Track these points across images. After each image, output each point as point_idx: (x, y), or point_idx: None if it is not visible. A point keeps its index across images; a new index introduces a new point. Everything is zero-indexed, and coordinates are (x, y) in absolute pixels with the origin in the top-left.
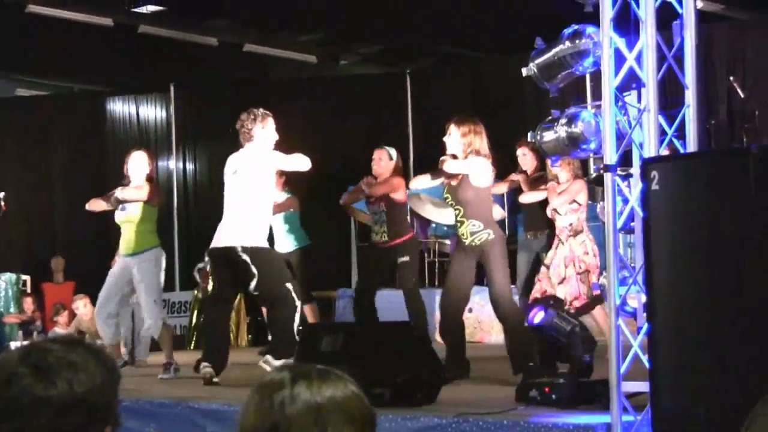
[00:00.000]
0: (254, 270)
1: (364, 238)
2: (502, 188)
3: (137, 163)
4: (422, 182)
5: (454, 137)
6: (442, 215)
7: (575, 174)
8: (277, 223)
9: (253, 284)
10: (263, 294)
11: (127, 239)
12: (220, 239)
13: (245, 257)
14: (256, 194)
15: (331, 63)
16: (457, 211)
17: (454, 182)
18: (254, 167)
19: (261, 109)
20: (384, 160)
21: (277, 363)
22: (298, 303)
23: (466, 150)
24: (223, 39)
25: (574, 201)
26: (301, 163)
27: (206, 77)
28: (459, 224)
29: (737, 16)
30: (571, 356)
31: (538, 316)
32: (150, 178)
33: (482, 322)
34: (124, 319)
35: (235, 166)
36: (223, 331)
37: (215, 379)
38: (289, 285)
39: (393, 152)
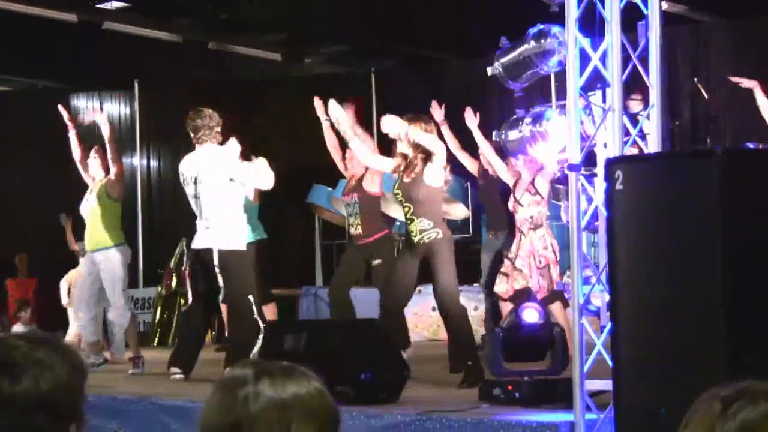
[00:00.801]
0: (221, 274)
1: (328, 236)
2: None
3: (95, 160)
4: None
5: (400, 129)
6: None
7: (538, 168)
8: None
9: (221, 294)
10: (227, 296)
11: (91, 235)
12: (199, 240)
13: (216, 259)
14: (227, 198)
15: (296, 62)
16: (407, 209)
17: (406, 179)
18: (220, 174)
19: (209, 109)
20: (357, 158)
21: None
22: (255, 315)
23: (416, 149)
24: (188, 37)
25: (537, 193)
26: (263, 182)
27: (170, 74)
28: (408, 222)
29: (702, 18)
30: (554, 353)
31: (531, 315)
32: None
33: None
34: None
35: (195, 173)
36: (199, 337)
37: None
38: (251, 298)
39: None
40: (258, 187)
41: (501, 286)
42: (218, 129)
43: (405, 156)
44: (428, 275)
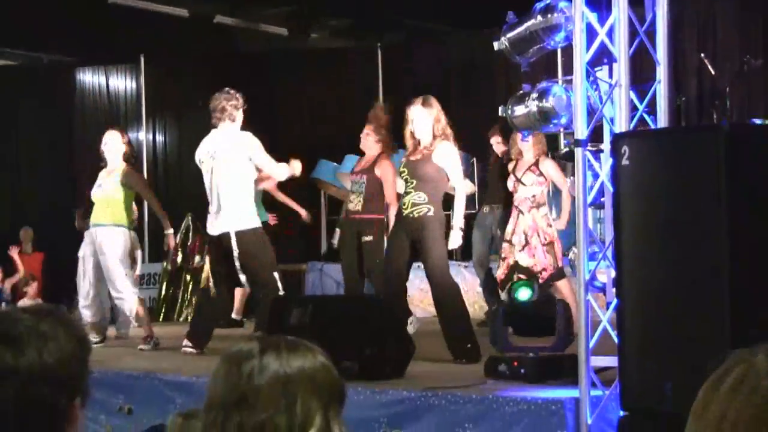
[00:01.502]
0: (240, 254)
1: (334, 212)
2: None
3: (113, 144)
4: None
5: (426, 122)
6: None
7: (543, 151)
8: None
9: (238, 266)
10: (248, 277)
11: (97, 211)
12: (214, 226)
13: (234, 242)
14: (242, 177)
15: (301, 36)
16: (409, 184)
17: (414, 157)
18: (239, 152)
19: (231, 90)
20: (371, 135)
21: None
22: (281, 291)
23: (439, 133)
24: (194, 11)
25: (542, 175)
26: (280, 173)
27: (176, 49)
28: (405, 195)
29: None
30: (558, 329)
31: (523, 293)
32: (128, 158)
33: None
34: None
35: (214, 149)
36: (216, 316)
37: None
38: (275, 275)
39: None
40: (271, 175)
41: (499, 271)
42: (240, 110)
43: (413, 135)
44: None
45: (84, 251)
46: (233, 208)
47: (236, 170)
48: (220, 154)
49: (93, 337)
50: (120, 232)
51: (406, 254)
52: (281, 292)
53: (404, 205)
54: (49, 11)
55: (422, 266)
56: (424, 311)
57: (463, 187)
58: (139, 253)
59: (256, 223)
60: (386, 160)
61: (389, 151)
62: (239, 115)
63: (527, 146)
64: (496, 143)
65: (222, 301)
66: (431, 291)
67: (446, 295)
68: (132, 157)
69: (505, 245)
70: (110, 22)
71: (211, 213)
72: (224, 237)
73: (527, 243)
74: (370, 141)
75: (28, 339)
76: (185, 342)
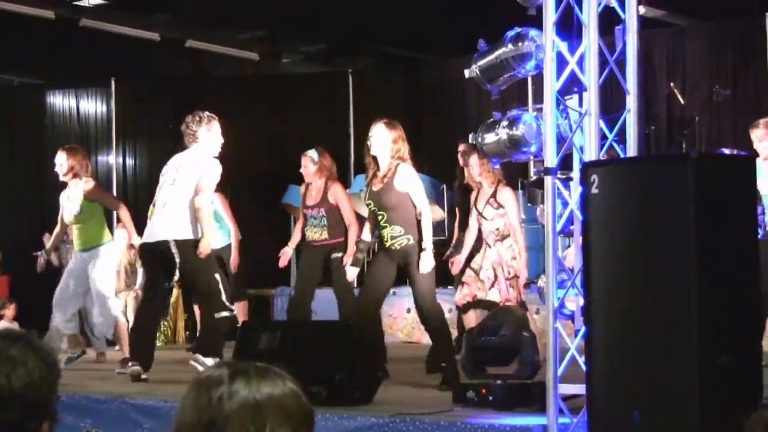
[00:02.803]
0: (181, 262)
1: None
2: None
3: (60, 164)
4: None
5: (384, 140)
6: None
7: (498, 179)
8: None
9: (176, 276)
10: (192, 286)
11: (79, 236)
12: (153, 234)
13: (175, 250)
14: (193, 190)
15: (273, 61)
16: (380, 216)
17: (375, 188)
18: (195, 171)
19: (207, 112)
20: (309, 166)
21: (208, 361)
22: (224, 297)
23: (393, 155)
24: (166, 34)
25: (500, 206)
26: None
27: (147, 72)
28: (381, 228)
29: (678, 22)
30: (522, 356)
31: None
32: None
33: (420, 322)
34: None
35: (176, 165)
36: (152, 329)
37: (143, 376)
38: (217, 276)
39: (315, 155)
40: (198, 205)
41: (457, 294)
42: (204, 129)
43: (375, 159)
44: (403, 278)
45: (71, 267)
46: (176, 219)
47: (191, 188)
48: (182, 171)
49: (72, 353)
50: (105, 251)
51: (386, 281)
52: (224, 298)
53: (384, 238)
54: (20, 33)
55: (394, 292)
56: (394, 336)
57: (428, 210)
58: (139, 269)
59: (195, 235)
60: (334, 184)
61: (331, 174)
62: (203, 133)
63: (479, 176)
64: (474, 164)
65: (157, 311)
66: (419, 316)
67: (432, 319)
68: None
69: (469, 272)
70: (81, 44)
71: (151, 223)
72: (161, 245)
73: (496, 278)
74: (309, 171)
75: None
76: (130, 363)
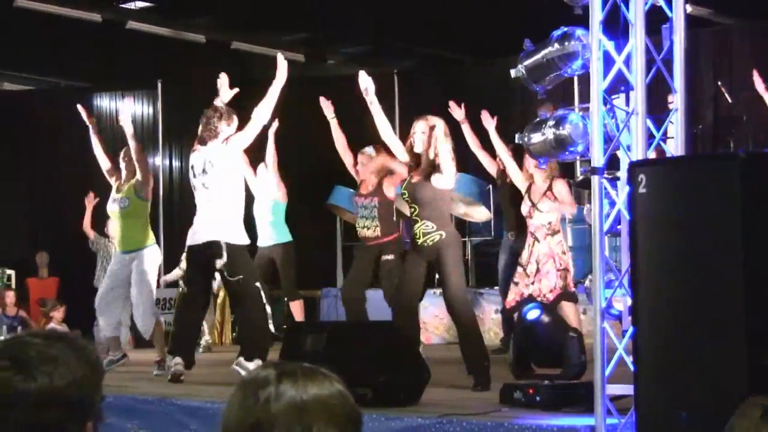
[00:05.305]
0: (227, 265)
1: (350, 238)
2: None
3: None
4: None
5: (425, 135)
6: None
7: (552, 174)
8: (263, 215)
9: (214, 285)
10: (232, 290)
11: (123, 235)
12: (200, 235)
13: (224, 252)
14: (229, 189)
15: (318, 62)
16: (413, 209)
17: (414, 179)
18: (222, 163)
19: (227, 107)
20: (365, 163)
21: (250, 365)
22: (265, 301)
23: (434, 152)
24: (211, 36)
25: (557, 200)
26: (258, 123)
27: (193, 74)
28: (413, 223)
29: (725, 21)
30: (566, 356)
31: (532, 313)
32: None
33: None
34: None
35: (201, 165)
36: (195, 329)
37: (182, 378)
38: (258, 284)
39: (372, 151)
40: (258, 129)
41: (510, 295)
42: (227, 125)
43: (417, 156)
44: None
45: (113, 268)
46: (222, 220)
47: (225, 183)
48: (210, 168)
49: (113, 355)
50: (150, 252)
51: (420, 280)
52: (265, 303)
53: (416, 235)
54: (66, 36)
55: (437, 293)
56: (440, 338)
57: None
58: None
59: (241, 240)
60: (387, 180)
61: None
62: (224, 128)
63: (534, 170)
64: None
65: (199, 307)
66: (450, 314)
67: (463, 316)
68: (135, 172)
69: (519, 269)
70: (127, 47)
71: (196, 224)
72: (211, 246)
73: (538, 270)
74: (367, 166)
75: (39, 363)
76: (174, 360)
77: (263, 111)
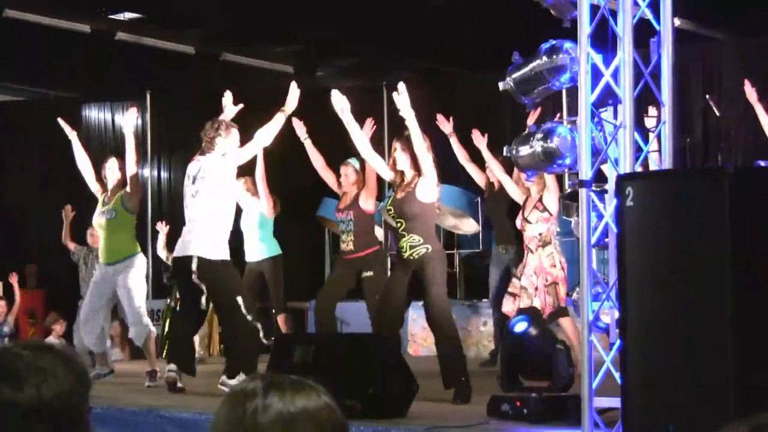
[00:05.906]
0: (199, 279)
1: (338, 250)
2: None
3: (113, 170)
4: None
5: (408, 154)
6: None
7: (545, 185)
8: (250, 229)
9: (203, 299)
10: (213, 303)
11: (108, 247)
12: (180, 248)
13: (195, 268)
14: (215, 202)
15: (308, 74)
16: (399, 224)
17: (399, 195)
18: (214, 175)
19: (226, 120)
20: (350, 175)
21: (232, 381)
22: (248, 316)
23: (417, 167)
24: (200, 48)
25: (546, 210)
26: (258, 144)
27: (183, 86)
28: (399, 237)
29: (713, 35)
30: (555, 369)
31: (520, 325)
32: (124, 184)
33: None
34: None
35: (194, 175)
36: (188, 339)
37: (179, 385)
38: (238, 298)
39: (357, 164)
40: (256, 152)
41: (507, 306)
42: (224, 138)
43: (401, 172)
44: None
45: (96, 280)
46: (204, 234)
47: (213, 197)
48: (200, 179)
49: (101, 370)
50: (135, 261)
51: (404, 291)
52: (248, 318)
53: (403, 248)
54: (55, 47)
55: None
56: (428, 349)
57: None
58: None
59: (221, 255)
60: (365, 192)
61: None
62: (220, 141)
63: (529, 183)
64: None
65: (191, 316)
66: (430, 327)
67: (443, 328)
68: (125, 182)
69: (514, 281)
70: (116, 58)
71: (182, 236)
72: (187, 261)
73: (536, 288)
74: (349, 179)
75: (27, 375)
76: (167, 368)
77: (266, 135)
